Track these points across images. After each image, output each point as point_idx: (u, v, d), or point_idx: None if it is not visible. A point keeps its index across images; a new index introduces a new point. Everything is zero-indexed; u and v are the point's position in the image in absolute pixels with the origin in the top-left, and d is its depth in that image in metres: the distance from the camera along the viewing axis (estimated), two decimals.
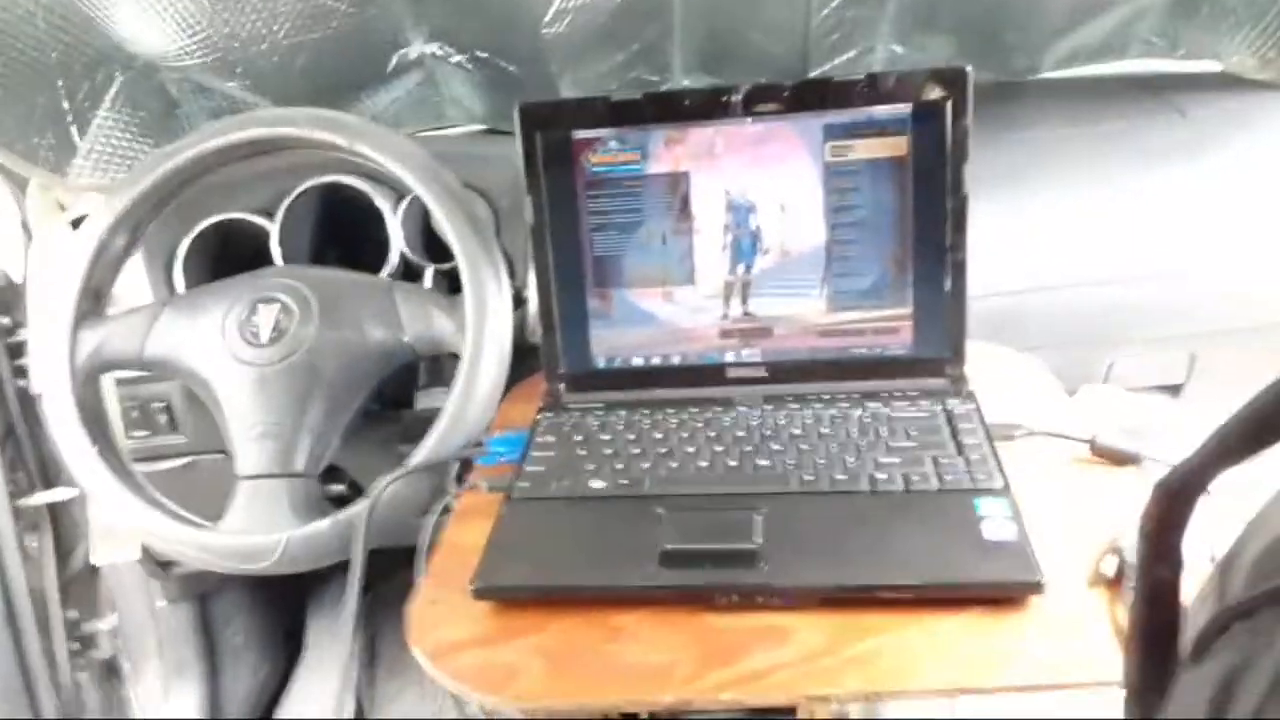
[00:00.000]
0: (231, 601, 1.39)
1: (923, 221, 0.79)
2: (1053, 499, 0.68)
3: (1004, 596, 0.60)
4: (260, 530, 0.82)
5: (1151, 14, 1.13)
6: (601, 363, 0.85)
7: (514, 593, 0.64)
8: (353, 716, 1.45)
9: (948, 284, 0.79)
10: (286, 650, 1.51)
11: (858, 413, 0.77)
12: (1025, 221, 1.01)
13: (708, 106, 0.79)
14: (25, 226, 1.10)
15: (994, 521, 0.64)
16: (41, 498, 1.20)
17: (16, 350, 1.16)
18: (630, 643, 0.60)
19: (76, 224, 1.00)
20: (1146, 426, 0.80)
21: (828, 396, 0.79)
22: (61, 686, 1.25)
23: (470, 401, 0.82)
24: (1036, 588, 0.59)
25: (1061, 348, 0.99)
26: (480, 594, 0.64)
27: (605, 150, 0.80)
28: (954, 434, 0.73)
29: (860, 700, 0.57)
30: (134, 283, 1.01)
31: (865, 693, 0.56)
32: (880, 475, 0.69)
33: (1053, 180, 1.04)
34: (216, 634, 1.36)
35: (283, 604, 1.50)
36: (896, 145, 0.78)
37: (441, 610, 0.65)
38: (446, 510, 0.76)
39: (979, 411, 0.76)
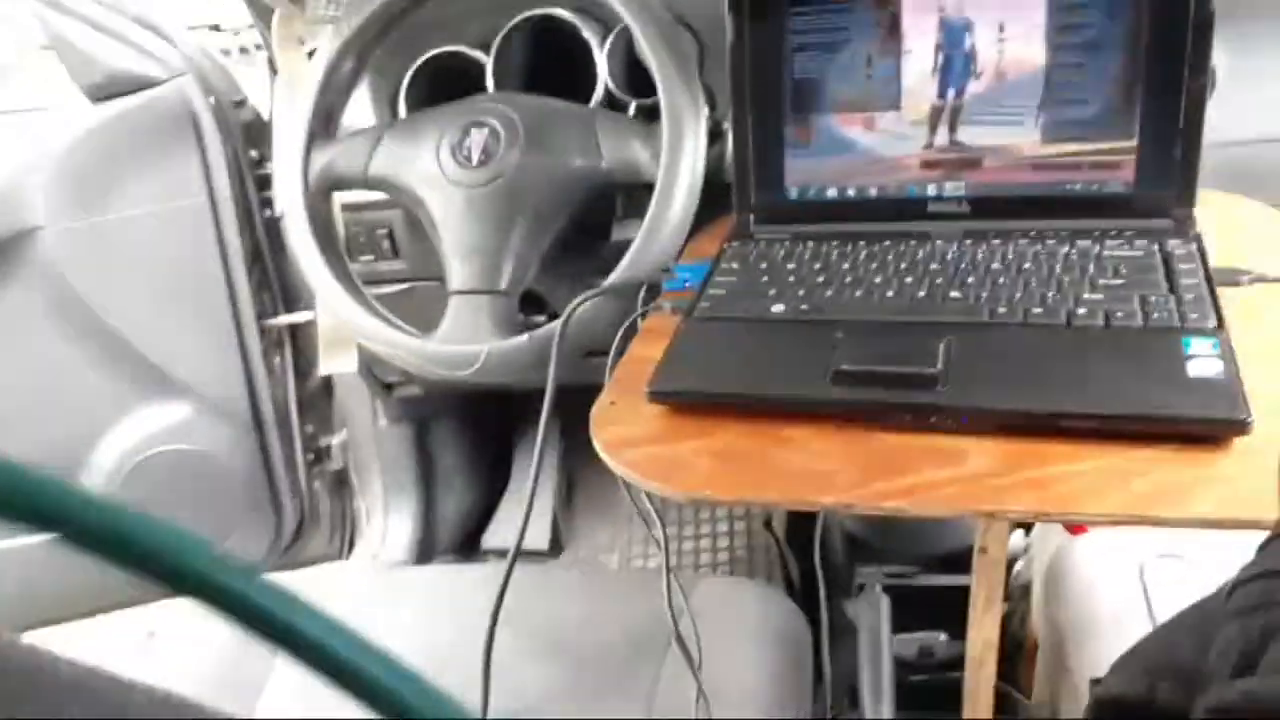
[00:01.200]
0: (446, 429, 1.50)
1: (1158, 42, 0.71)
2: (1278, 346, 0.62)
3: (1203, 433, 0.55)
4: (465, 341, 0.87)
5: None
6: (794, 194, 0.84)
7: (687, 397, 0.66)
8: (548, 546, 1.55)
9: (1181, 113, 0.72)
10: (494, 480, 1.62)
11: (1065, 250, 0.72)
12: None
13: None
14: (271, 63, 1.20)
15: (1202, 360, 0.59)
16: (284, 319, 1.33)
17: (264, 182, 1.27)
18: (796, 451, 0.61)
19: (313, 56, 1.07)
20: None
21: (1034, 233, 0.75)
22: (299, 491, 1.40)
23: (660, 228, 0.83)
24: (1242, 426, 0.54)
25: None
26: (655, 397, 0.66)
27: None
28: (1169, 274, 0.67)
29: (1031, 519, 0.55)
30: (363, 115, 1.09)
31: (1035, 513, 0.54)
32: (1080, 311, 0.65)
33: None
34: (432, 457, 1.48)
35: (490, 437, 1.61)
36: None
37: (620, 410, 0.68)
38: (633, 329, 0.79)
39: (1202, 253, 0.69)
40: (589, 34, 1.00)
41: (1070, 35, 0.73)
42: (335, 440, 1.45)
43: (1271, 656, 0.24)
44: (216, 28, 1.62)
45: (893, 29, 0.77)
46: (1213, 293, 0.65)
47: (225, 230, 1.24)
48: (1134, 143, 0.74)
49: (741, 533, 1.50)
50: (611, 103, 1.00)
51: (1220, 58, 0.78)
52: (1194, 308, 0.63)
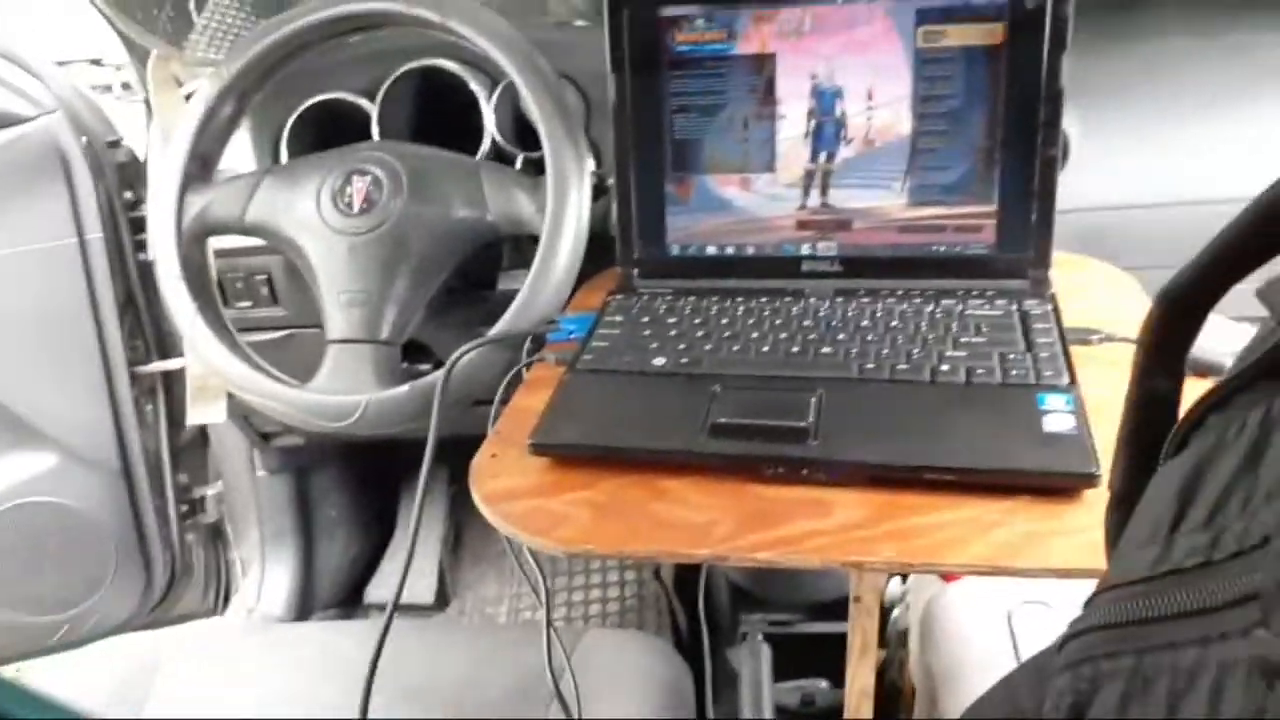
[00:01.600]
0: (328, 478, 1.47)
1: (1015, 114, 0.76)
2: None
3: (1056, 486, 0.58)
4: (344, 391, 0.86)
5: None
6: (675, 250, 0.86)
7: (568, 450, 0.66)
8: (434, 599, 1.52)
9: (1036, 181, 0.76)
10: (378, 532, 1.58)
11: (930, 308, 0.75)
12: (1134, 134, 0.96)
13: None
14: (147, 103, 1.17)
15: (1055, 415, 0.62)
16: (157, 366, 1.29)
17: (140, 225, 1.23)
18: (674, 503, 0.62)
19: (191, 98, 1.05)
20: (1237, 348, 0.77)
21: (901, 292, 0.78)
22: (172, 544, 1.35)
23: (545, 280, 0.83)
24: (1092, 479, 0.57)
25: (1164, 269, 0.94)
26: (537, 449, 0.66)
27: (692, 29, 0.80)
28: (1026, 333, 0.71)
29: (895, 569, 0.57)
30: (243, 160, 1.07)
31: (899, 563, 0.56)
32: (943, 367, 0.68)
33: (1172, 92, 0.98)
34: (312, 508, 1.44)
35: (375, 487, 1.58)
36: (992, 32, 0.75)
37: (501, 463, 0.67)
38: (518, 379, 0.79)
39: (1056, 313, 0.73)
40: (476, 87, 1.00)
41: (934, 105, 0.77)
42: (210, 491, 1.39)
43: (1097, 709, 0.25)
44: (98, 62, 1.57)
45: (768, 94, 0.80)
46: (1066, 351, 0.69)
47: (95, 274, 1.20)
48: (994, 207, 0.78)
49: (632, 583, 1.50)
50: (498, 155, 1.01)
51: (1073, 128, 0.83)
52: (1049, 365, 0.67)
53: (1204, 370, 0.70)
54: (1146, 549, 0.26)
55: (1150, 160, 0.96)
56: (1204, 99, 0.97)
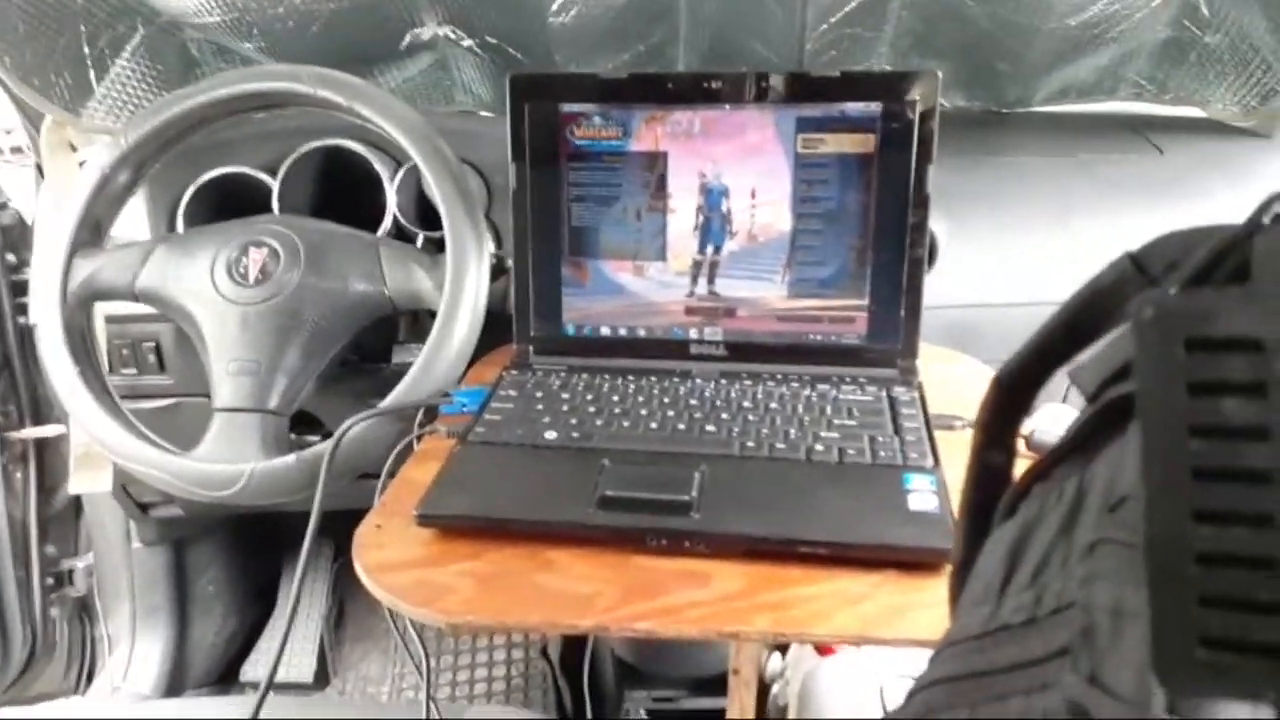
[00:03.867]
0: (206, 551, 1.42)
1: (885, 217, 0.82)
2: None
3: (920, 561, 0.62)
4: (227, 460, 0.85)
5: (1141, 57, 1.17)
6: (571, 329, 0.89)
7: (454, 521, 0.67)
8: (313, 678, 1.48)
9: (904, 279, 0.83)
10: (257, 607, 1.53)
11: (807, 392, 0.80)
12: (998, 239, 1.04)
13: (690, 91, 0.83)
14: (39, 167, 1.15)
15: (920, 495, 0.66)
16: (29, 432, 1.24)
17: (20, 288, 1.21)
18: (559, 574, 0.63)
19: (85, 164, 1.04)
20: None
21: (780, 376, 0.83)
22: (33, 619, 1.28)
23: (441, 354, 0.85)
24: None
25: None
26: (423, 520, 0.67)
27: (589, 125, 0.85)
28: (894, 418, 0.76)
29: (770, 640, 0.59)
30: (139, 228, 1.06)
31: (772, 634, 0.58)
32: (818, 447, 0.72)
33: (1029, 203, 1.07)
34: (189, 581, 1.39)
35: (257, 561, 1.53)
36: (865, 142, 0.81)
37: (386, 534, 0.68)
38: (408, 452, 0.80)
39: (922, 400, 0.79)
40: (380, 166, 1.03)
41: (812, 206, 0.83)
42: (80, 564, 1.34)
43: None
44: None
45: (659, 189, 0.85)
46: (931, 435, 0.74)
47: None
48: (865, 301, 0.84)
49: (519, 660, 1.49)
50: (400, 234, 1.03)
51: (941, 232, 0.90)
52: (915, 448, 0.72)
53: (1042, 451, 0.76)
54: (981, 607, 0.28)
55: (1009, 263, 1.05)
56: (1056, 209, 1.06)
